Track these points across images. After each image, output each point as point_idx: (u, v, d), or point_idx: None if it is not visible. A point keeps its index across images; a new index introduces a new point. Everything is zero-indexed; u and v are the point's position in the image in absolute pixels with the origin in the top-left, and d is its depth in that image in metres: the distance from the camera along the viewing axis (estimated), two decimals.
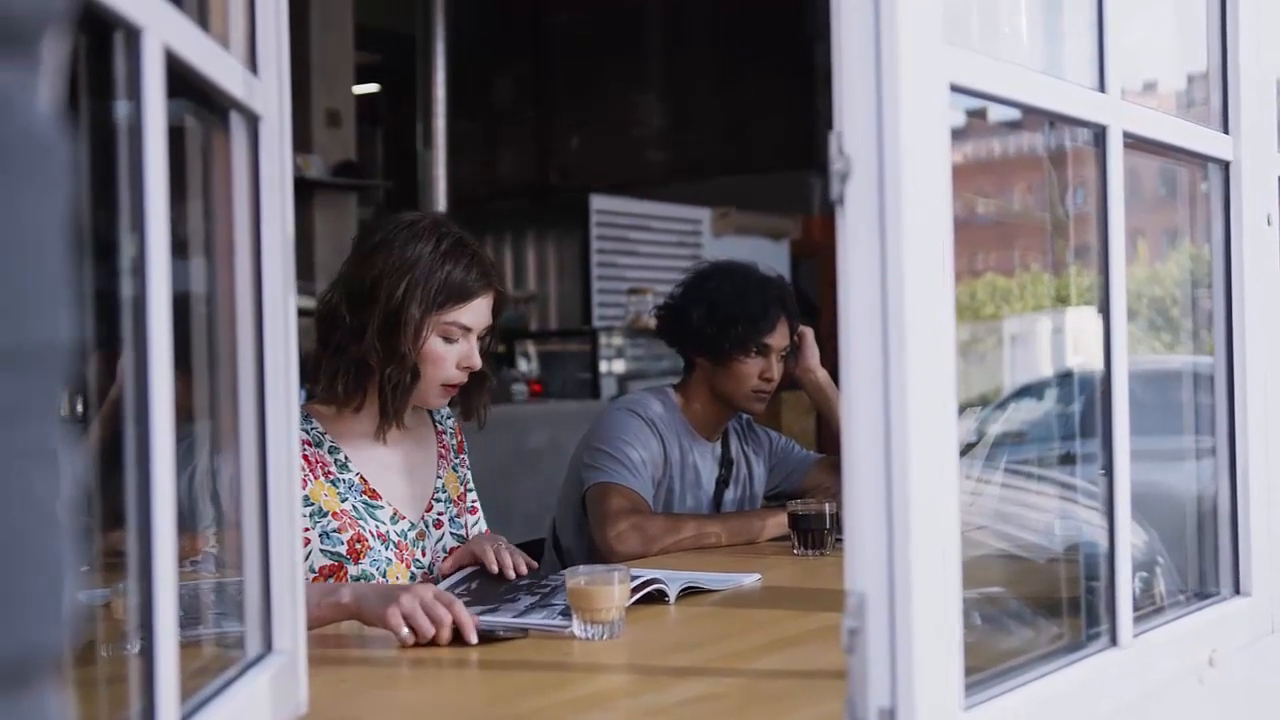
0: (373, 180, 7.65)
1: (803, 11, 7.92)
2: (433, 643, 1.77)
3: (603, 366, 6.88)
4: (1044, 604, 1.64)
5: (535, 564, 2.18)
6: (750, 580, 2.26)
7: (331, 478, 2.15)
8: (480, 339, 2.21)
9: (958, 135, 1.17)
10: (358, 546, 2.13)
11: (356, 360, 2.13)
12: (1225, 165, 1.76)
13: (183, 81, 1.07)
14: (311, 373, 2.17)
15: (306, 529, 2.09)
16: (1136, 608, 1.48)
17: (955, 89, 1.18)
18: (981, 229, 1.75)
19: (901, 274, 1.09)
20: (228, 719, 1.14)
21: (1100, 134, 1.46)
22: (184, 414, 1.02)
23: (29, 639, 0.58)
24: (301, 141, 6.71)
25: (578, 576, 1.82)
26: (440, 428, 2.36)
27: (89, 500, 1.01)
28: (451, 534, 2.29)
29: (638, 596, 1.99)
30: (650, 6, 9.05)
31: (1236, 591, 1.75)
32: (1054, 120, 1.55)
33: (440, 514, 2.28)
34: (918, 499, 1.09)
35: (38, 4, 0.59)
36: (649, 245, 7.56)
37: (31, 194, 0.59)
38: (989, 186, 1.83)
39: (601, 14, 8.91)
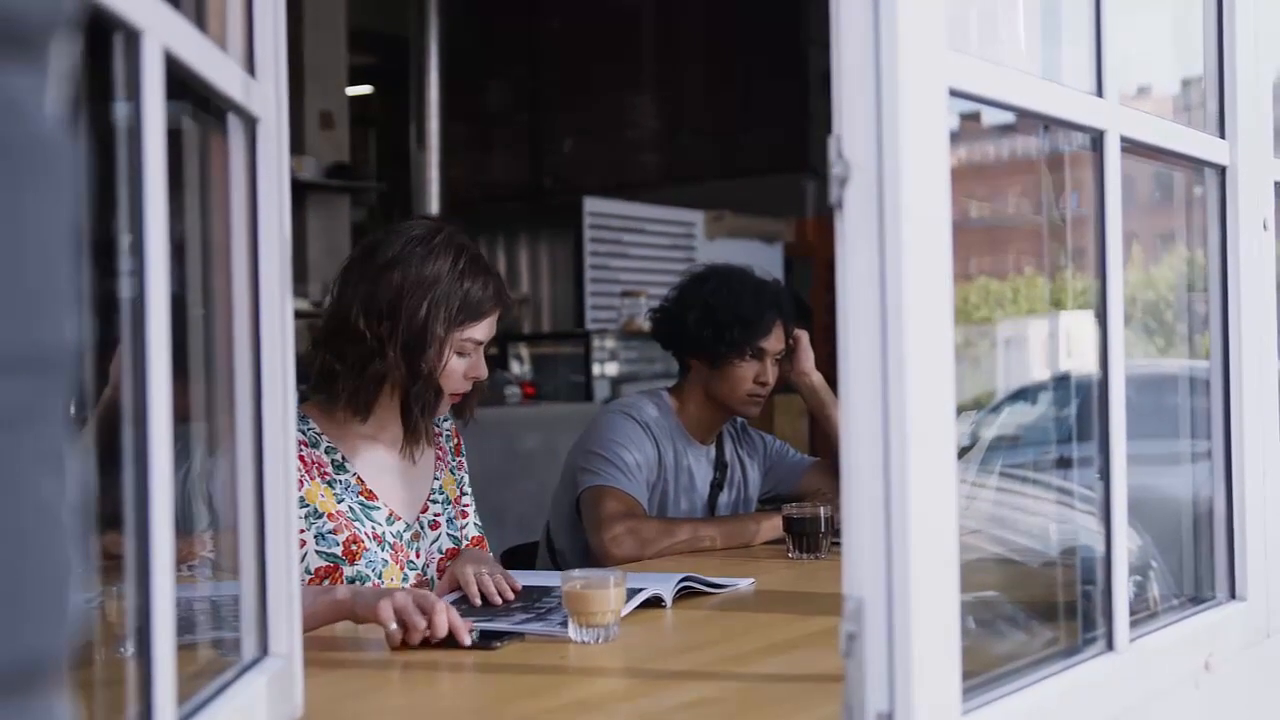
0: (366, 182, 7.65)
1: (796, 16, 7.93)
2: (426, 644, 1.76)
3: (596, 369, 6.87)
4: (1040, 608, 1.65)
5: (520, 586, 2.08)
6: (745, 584, 2.26)
7: (328, 478, 2.15)
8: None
9: (951, 139, 1.17)
10: (353, 548, 2.12)
11: (376, 378, 2.14)
12: (1221, 170, 1.76)
13: (181, 84, 1.06)
14: (316, 381, 2.18)
15: (302, 531, 2.09)
16: (1132, 612, 1.48)
17: (954, 93, 1.18)
18: (973, 232, 1.74)
19: (900, 278, 1.09)
20: None
21: (1098, 139, 1.46)
22: (180, 416, 1.02)
23: (38, 645, 0.58)
24: (295, 143, 6.64)
25: (573, 580, 1.82)
26: (438, 430, 2.36)
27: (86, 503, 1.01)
28: (448, 535, 2.29)
29: (634, 604, 1.98)
30: (644, 10, 9.05)
31: (1232, 596, 1.75)
32: (1052, 125, 1.55)
33: (437, 515, 2.28)
34: (917, 504, 1.09)
35: (46, 7, 0.59)
36: (642, 248, 7.55)
37: (40, 198, 0.59)
38: (981, 190, 1.83)
39: (595, 17, 8.90)
